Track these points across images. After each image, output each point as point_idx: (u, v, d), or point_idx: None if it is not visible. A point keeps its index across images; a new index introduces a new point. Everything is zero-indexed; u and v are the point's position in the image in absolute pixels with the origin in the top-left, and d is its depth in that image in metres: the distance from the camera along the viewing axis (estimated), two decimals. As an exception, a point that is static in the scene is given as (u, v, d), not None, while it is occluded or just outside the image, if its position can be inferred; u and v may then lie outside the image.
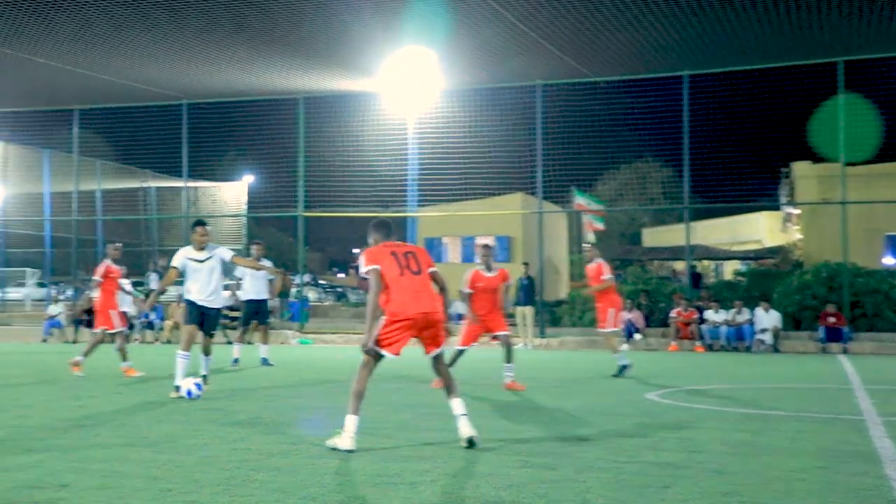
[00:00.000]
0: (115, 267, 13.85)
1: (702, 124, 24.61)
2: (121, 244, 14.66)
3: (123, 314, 14.32)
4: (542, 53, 22.92)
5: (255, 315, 15.68)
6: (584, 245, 12.14)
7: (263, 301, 15.62)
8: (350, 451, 6.50)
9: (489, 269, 12.23)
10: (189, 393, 9.92)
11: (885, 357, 20.01)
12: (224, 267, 10.95)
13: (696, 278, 27.71)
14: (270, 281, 15.48)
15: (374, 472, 5.87)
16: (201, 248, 10.76)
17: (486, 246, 12.70)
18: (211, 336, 11.25)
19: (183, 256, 10.78)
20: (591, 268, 14.47)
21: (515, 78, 25.16)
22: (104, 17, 19.98)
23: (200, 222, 11.05)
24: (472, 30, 21.23)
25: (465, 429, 6.83)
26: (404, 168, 26.35)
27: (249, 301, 15.67)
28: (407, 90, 25.52)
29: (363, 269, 7.02)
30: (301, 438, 7.22)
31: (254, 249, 15.76)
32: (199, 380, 10.23)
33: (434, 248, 34.23)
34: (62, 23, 20.27)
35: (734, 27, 21.30)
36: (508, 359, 11.74)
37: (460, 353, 11.91)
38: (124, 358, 13.83)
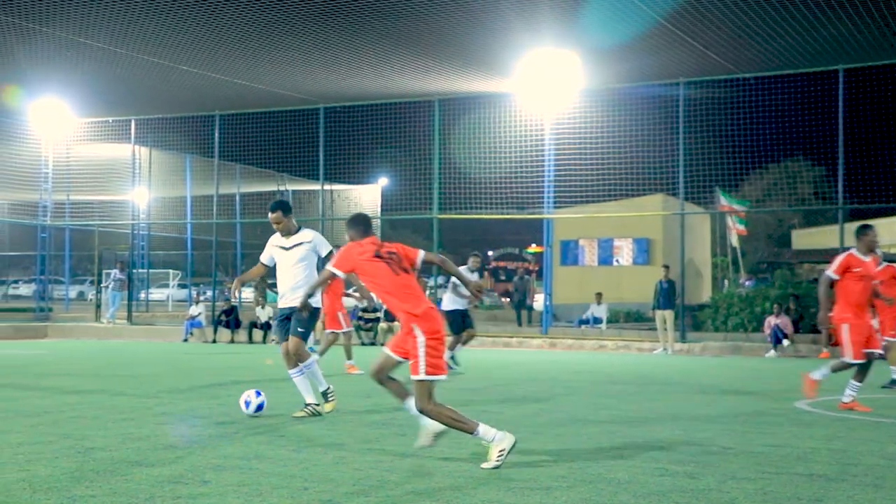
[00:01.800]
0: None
1: (857, 120, 23.64)
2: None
3: (348, 314, 15.37)
4: (685, 50, 22.47)
5: (462, 324, 15.29)
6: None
7: (465, 310, 15.36)
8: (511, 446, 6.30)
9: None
10: (249, 404, 8.76)
11: None
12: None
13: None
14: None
15: (507, 477, 5.87)
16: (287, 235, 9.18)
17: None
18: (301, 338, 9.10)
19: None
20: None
21: (658, 76, 24.74)
22: (243, 25, 20.65)
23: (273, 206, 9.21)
24: (615, 28, 20.99)
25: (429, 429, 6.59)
26: (540, 169, 26.25)
27: (455, 311, 15.20)
28: (544, 90, 25.43)
29: (331, 265, 6.94)
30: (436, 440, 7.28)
31: (470, 262, 15.78)
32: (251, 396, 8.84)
33: (570, 250, 33.99)
34: (204, 31, 21.05)
35: (893, 17, 20.37)
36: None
37: None
38: (349, 356, 14.78)
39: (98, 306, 29.34)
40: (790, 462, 6.52)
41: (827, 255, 34.11)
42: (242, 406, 8.74)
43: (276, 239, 9.22)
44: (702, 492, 5.44)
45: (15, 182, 29.29)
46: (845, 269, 10.31)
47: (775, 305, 22.04)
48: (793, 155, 33.32)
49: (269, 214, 9.02)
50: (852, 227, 35.82)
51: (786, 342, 21.48)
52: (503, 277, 57.92)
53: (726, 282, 36.04)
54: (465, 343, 15.42)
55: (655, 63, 23.69)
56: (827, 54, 22.78)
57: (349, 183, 33.42)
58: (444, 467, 6.20)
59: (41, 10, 19.25)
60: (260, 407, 8.74)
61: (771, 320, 21.60)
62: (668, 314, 22.19)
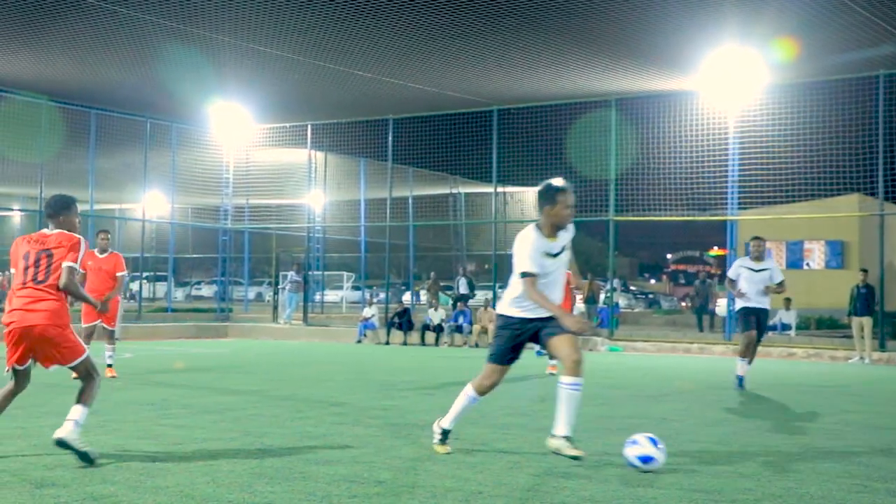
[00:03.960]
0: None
1: None
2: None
3: None
4: (884, 40, 21.40)
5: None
6: None
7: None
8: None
9: None
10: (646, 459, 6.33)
11: None
12: None
13: None
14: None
15: (690, 487, 5.74)
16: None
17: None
18: None
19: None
20: None
21: (853, 69, 23.67)
22: (417, 29, 21.05)
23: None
24: (809, 21, 20.22)
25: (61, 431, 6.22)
26: (723, 169, 25.56)
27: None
28: (728, 87, 24.76)
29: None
30: (612, 448, 7.19)
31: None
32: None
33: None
34: (378, 36, 21.59)
35: None
36: None
37: None
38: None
39: (275, 307, 30.49)
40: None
41: None
42: (634, 459, 6.34)
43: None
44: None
45: (198, 187, 30.85)
46: None
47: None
48: None
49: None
50: None
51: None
52: (682, 281, 56.71)
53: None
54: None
55: (851, 55, 22.69)
56: None
57: (522, 185, 33.50)
58: (634, 477, 6.11)
59: (224, 21, 20.23)
60: (646, 459, 6.29)
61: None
62: (867, 321, 21.16)
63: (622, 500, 5.35)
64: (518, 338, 6.92)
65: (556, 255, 6.86)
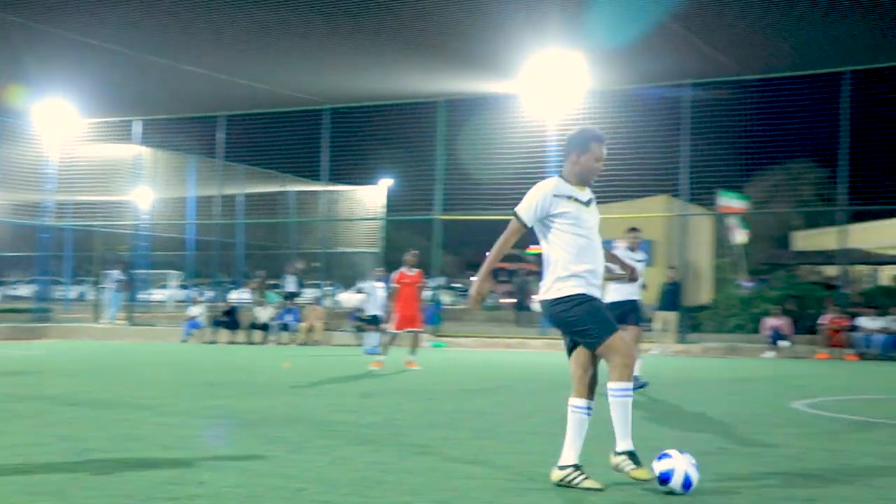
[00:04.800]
0: (410, 273, 15.84)
1: (860, 122, 23.64)
2: (417, 252, 16.19)
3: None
4: (692, 51, 22.47)
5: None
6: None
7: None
8: None
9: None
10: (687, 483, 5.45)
11: None
12: None
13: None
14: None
15: (504, 478, 5.87)
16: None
17: None
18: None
19: None
20: None
21: (664, 77, 24.74)
22: (248, 26, 20.68)
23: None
24: (619, 28, 20.98)
25: None
26: (544, 170, 26.25)
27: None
28: (549, 91, 25.43)
29: None
30: (433, 441, 7.29)
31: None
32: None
33: (572, 251, 33.94)
34: (209, 32, 21.08)
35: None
36: None
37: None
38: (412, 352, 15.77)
39: (97, 307, 29.36)
40: (785, 461, 6.53)
41: (826, 257, 34.14)
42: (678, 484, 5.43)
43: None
44: (697, 491, 5.44)
45: (17, 182, 29.30)
46: None
47: (774, 307, 22.06)
48: (796, 157, 33.29)
49: None
50: (854, 228, 35.89)
51: (785, 343, 21.47)
52: (504, 278, 57.88)
53: (729, 283, 36.01)
54: None
55: (662, 64, 23.68)
56: (834, 56, 22.76)
57: (353, 184, 33.43)
58: (455, 469, 6.20)
59: (47, 9, 19.27)
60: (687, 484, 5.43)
61: (769, 321, 21.59)
62: (671, 315, 22.18)
63: (443, 491, 5.43)
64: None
65: (587, 204, 5.87)
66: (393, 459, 6.46)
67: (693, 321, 25.19)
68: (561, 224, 5.74)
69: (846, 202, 24.03)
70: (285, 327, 24.90)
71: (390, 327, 16.13)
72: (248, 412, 9.15)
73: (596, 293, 5.73)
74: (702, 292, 33.17)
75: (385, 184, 34.28)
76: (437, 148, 27.01)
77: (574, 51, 22.78)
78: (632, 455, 5.60)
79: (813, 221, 44.01)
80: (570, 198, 5.74)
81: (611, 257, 6.40)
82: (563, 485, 5.55)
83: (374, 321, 20.80)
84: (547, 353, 21.69)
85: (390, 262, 29.77)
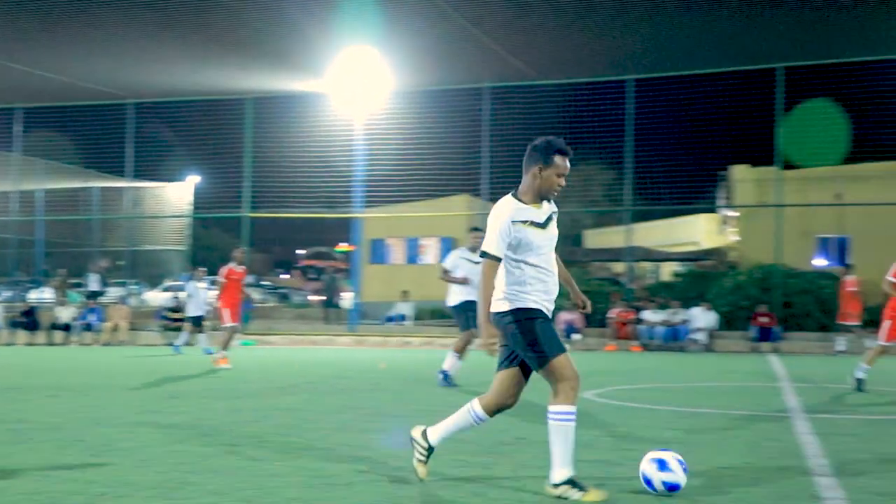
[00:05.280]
0: (238, 269, 15.64)
1: (644, 128, 24.93)
2: (244, 248, 15.72)
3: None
4: (490, 55, 23.00)
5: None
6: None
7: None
8: None
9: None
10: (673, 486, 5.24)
11: (812, 356, 20.44)
12: None
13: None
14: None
15: (310, 474, 5.85)
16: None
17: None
18: None
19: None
20: None
21: (464, 80, 25.22)
22: (42, 12, 19.61)
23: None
24: (421, 30, 21.23)
25: None
26: (351, 169, 26.24)
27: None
28: (355, 91, 25.43)
29: None
30: (240, 440, 7.16)
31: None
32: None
33: (379, 249, 34.14)
34: (3, 19, 19.88)
35: (679, 32, 21.62)
36: None
37: None
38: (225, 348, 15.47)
39: None
40: (577, 449, 6.78)
41: (614, 254, 35.80)
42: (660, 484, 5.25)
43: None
44: (494, 480, 5.59)
45: None
46: None
47: (567, 302, 22.90)
48: (587, 158, 34.70)
49: None
50: (639, 227, 37.63)
51: (577, 336, 22.36)
52: (313, 276, 57.50)
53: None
54: None
55: (463, 67, 24.13)
56: (619, 64, 23.90)
57: (159, 180, 32.30)
58: (260, 468, 6.10)
59: None
60: (672, 487, 5.22)
61: (563, 316, 22.41)
62: (473, 310, 22.63)
63: (249, 490, 5.34)
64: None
65: (544, 226, 5.34)
66: (198, 460, 6.29)
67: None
68: (514, 253, 5.27)
69: (631, 203, 25.30)
70: (88, 327, 23.81)
71: (226, 322, 15.58)
72: (50, 416, 8.70)
73: (548, 310, 5.39)
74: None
75: (192, 181, 33.30)
76: (245, 145, 26.53)
77: (376, 51, 22.91)
78: (572, 483, 5.17)
79: (602, 221, 46.09)
80: (525, 222, 5.25)
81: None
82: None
83: (197, 321, 19.92)
84: (355, 349, 21.72)
85: (198, 260, 29.00)
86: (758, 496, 5.20)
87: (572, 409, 5.16)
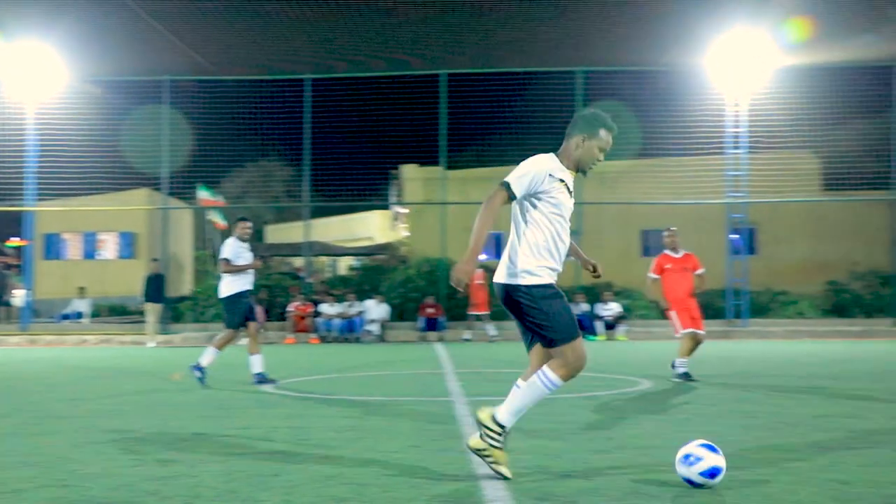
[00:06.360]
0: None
1: (322, 126, 25.22)
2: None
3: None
4: (170, 49, 22.24)
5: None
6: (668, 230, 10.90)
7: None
8: None
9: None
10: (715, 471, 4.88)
11: (475, 344, 21.74)
12: None
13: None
14: None
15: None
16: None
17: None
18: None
19: None
20: (678, 258, 11.67)
21: (144, 72, 24.19)
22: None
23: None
24: (98, 20, 20.14)
25: None
26: (22, 159, 24.28)
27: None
28: (26, 79, 23.55)
29: None
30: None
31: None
32: None
33: (54, 243, 31.90)
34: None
35: (353, 36, 22.14)
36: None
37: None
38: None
39: None
40: (254, 441, 6.77)
41: (294, 249, 35.93)
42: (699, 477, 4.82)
43: None
44: (172, 478, 5.45)
45: None
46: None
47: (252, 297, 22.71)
48: (268, 155, 34.57)
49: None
50: (317, 222, 37.90)
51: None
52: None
53: (208, 274, 36.32)
54: None
55: (142, 58, 23.20)
56: (297, 64, 24.06)
57: None
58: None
59: None
60: (713, 473, 4.81)
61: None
62: (156, 307, 21.82)
63: (150, 481, 4.82)
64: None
65: (570, 192, 5.15)
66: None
67: (175, 312, 25.04)
68: (545, 207, 5.05)
69: (309, 199, 25.53)
70: None
71: None
72: None
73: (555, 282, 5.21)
74: (184, 284, 33.07)
75: None
76: None
77: (43, 41, 21.47)
78: (503, 432, 5.25)
79: (283, 216, 46.08)
80: (562, 181, 5.07)
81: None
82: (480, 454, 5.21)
83: None
84: (28, 349, 20.08)
85: None
86: (421, 476, 5.45)
87: (560, 384, 5.13)
